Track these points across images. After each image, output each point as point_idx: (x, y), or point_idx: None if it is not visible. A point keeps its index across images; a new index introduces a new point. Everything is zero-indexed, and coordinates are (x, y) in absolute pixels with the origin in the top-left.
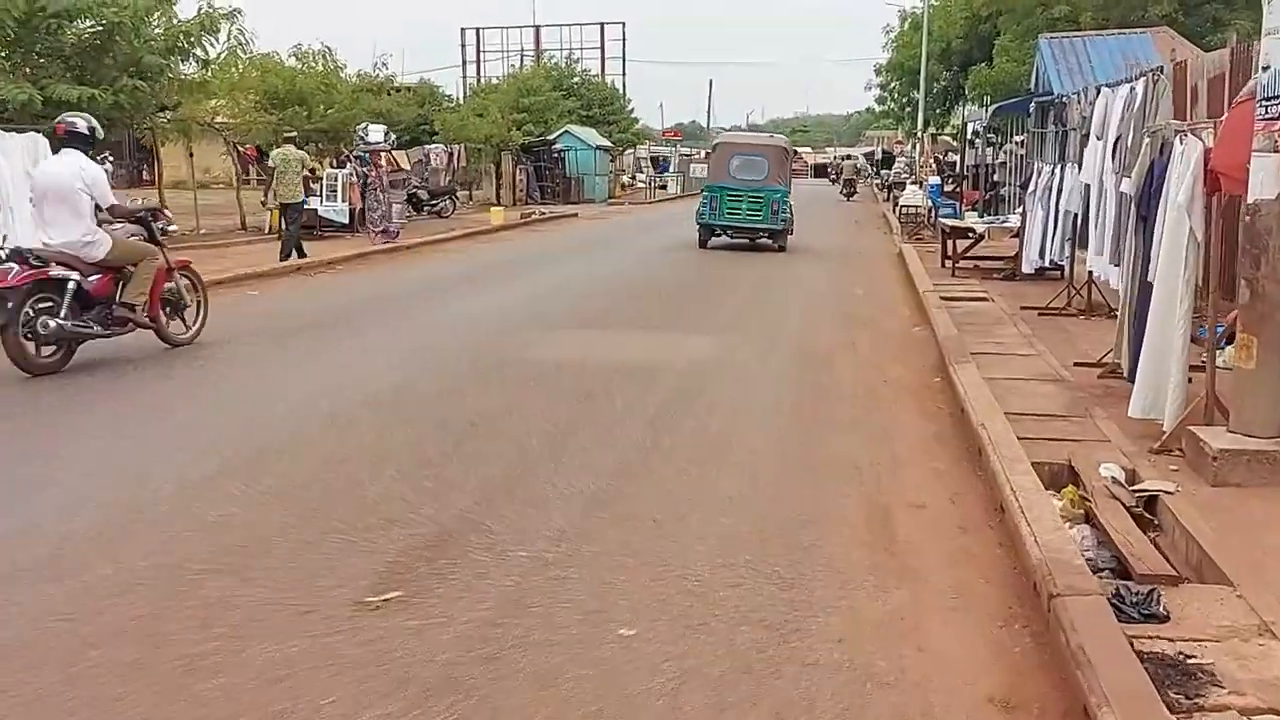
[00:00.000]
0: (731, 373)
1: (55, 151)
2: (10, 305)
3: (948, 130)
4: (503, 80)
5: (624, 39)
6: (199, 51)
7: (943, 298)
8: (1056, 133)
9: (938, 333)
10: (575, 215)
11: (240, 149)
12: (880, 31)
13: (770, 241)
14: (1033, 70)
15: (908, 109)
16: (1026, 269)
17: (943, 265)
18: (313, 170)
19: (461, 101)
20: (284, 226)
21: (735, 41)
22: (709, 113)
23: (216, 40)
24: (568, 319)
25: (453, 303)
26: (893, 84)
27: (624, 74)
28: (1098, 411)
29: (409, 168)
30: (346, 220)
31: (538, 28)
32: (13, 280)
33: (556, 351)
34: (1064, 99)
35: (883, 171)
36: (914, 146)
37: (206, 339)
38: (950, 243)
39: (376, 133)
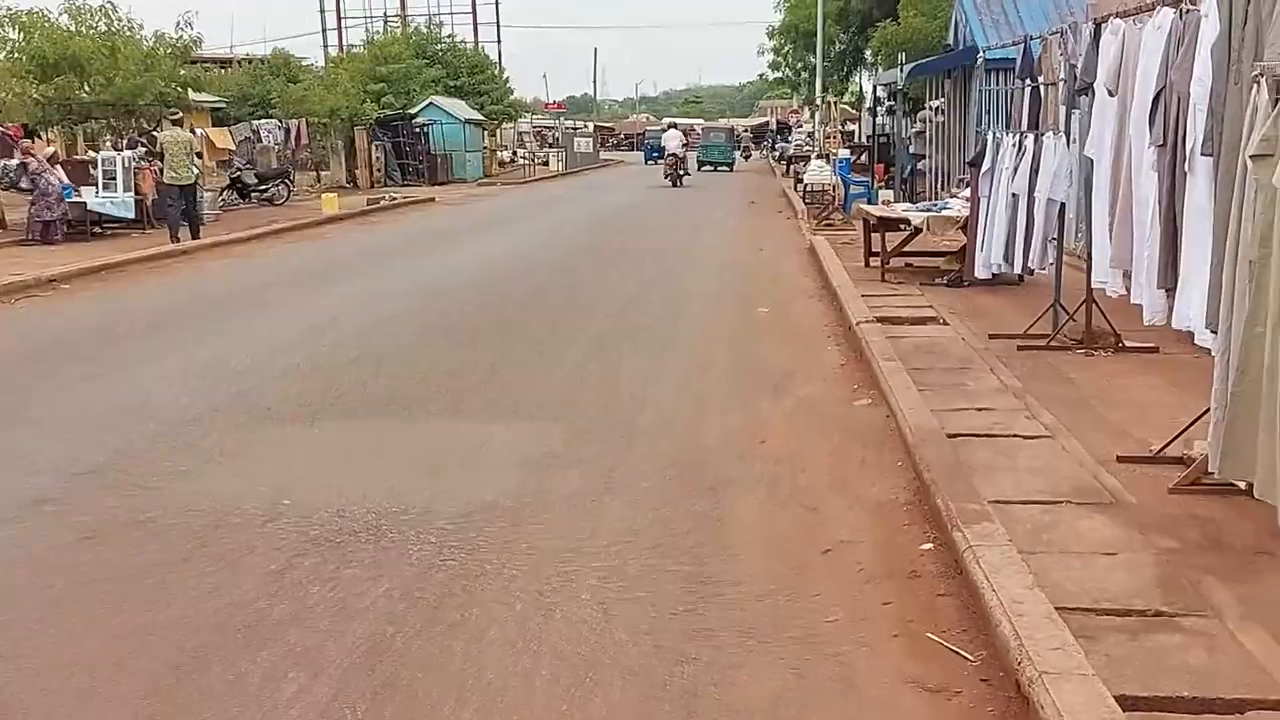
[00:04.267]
0: (531, 532)
1: None
2: None
3: (847, 97)
4: (362, 48)
5: (497, 3)
6: None
7: (880, 319)
8: (1022, 90)
9: (901, 418)
10: (433, 200)
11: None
12: None
13: (728, 169)
14: (949, 24)
15: (804, 75)
16: (980, 273)
17: (867, 264)
18: (200, 153)
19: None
20: (182, 207)
21: (623, 8)
22: (595, 84)
23: None
24: (299, 396)
25: (147, 359)
26: (786, 48)
27: (499, 40)
28: (1216, 591)
29: (233, 147)
30: (133, 214)
31: None
32: None
33: (234, 483)
34: (1031, 41)
35: (779, 144)
36: (812, 115)
37: None
38: (877, 236)
39: None
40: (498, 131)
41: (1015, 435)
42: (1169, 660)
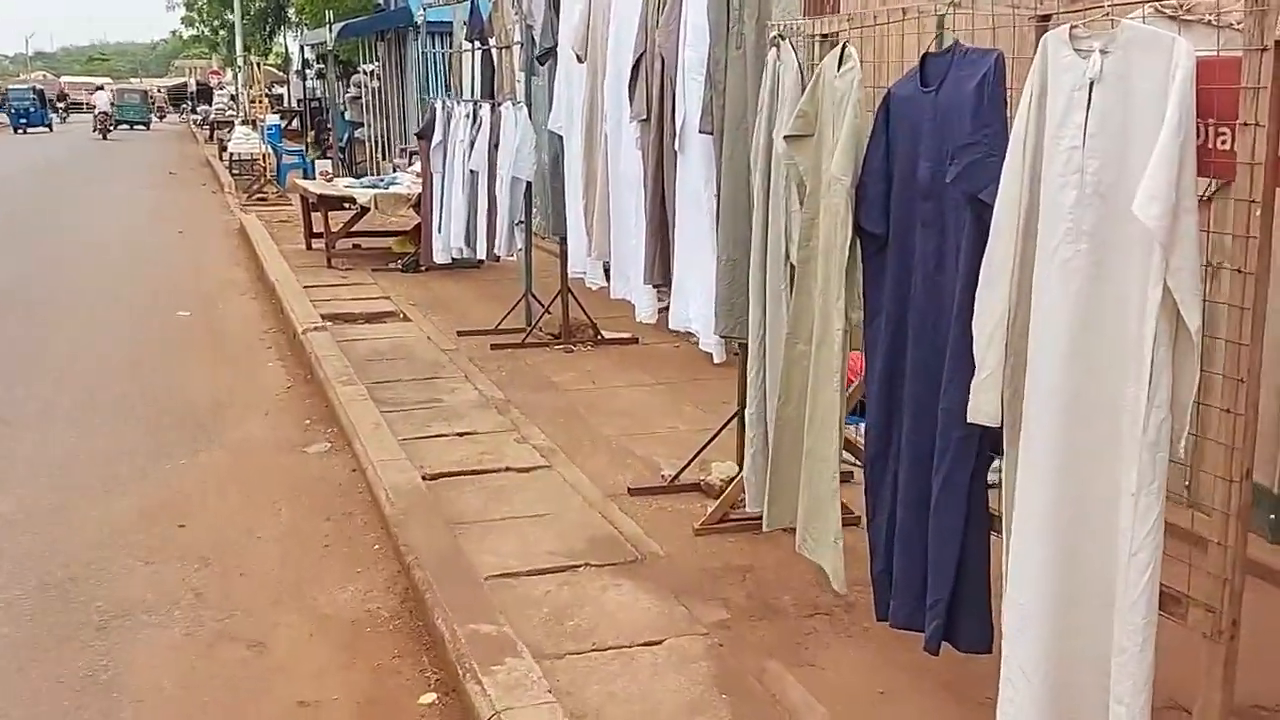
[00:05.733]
0: None
1: None
2: None
3: (272, 58)
4: None
5: None
6: None
7: (330, 316)
8: (473, 54)
9: (373, 474)
10: None
11: None
12: None
13: (145, 128)
14: None
15: (222, 33)
16: (439, 258)
17: (309, 247)
18: None
19: None
20: None
21: None
22: None
23: None
24: None
25: None
26: (200, 3)
27: None
28: (784, 683)
29: None
30: None
31: None
32: None
33: None
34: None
35: (200, 107)
36: (234, 77)
37: None
38: (319, 215)
39: None
40: None
41: (508, 469)
42: None
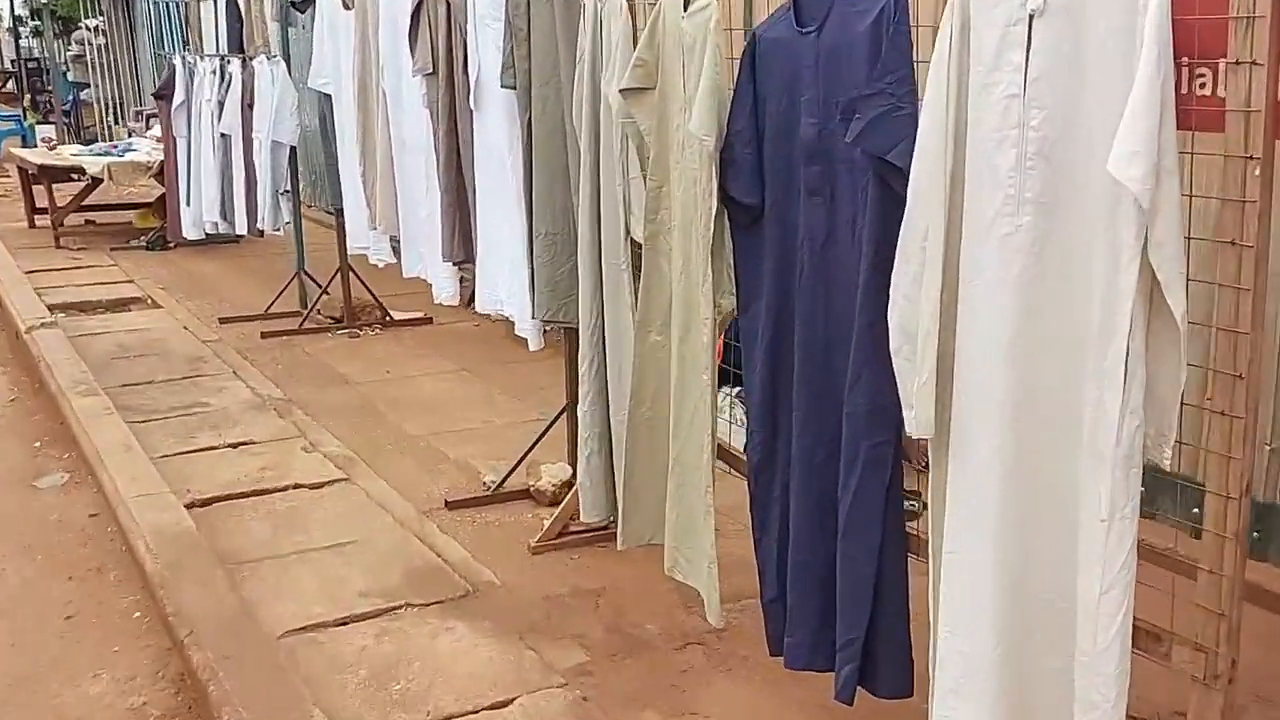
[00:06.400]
0: None
1: None
2: None
3: None
4: None
5: None
6: None
7: (62, 307)
8: (216, 2)
9: (125, 514)
10: None
11: None
12: None
13: None
14: None
15: None
16: (190, 233)
17: (32, 225)
18: None
19: None
20: None
21: None
22: None
23: None
24: None
25: None
26: None
27: None
28: None
29: None
30: None
31: None
32: None
33: None
34: None
35: None
36: None
37: None
38: (42, 189)
39: None
40: None
41: (297, 485)
42: None
